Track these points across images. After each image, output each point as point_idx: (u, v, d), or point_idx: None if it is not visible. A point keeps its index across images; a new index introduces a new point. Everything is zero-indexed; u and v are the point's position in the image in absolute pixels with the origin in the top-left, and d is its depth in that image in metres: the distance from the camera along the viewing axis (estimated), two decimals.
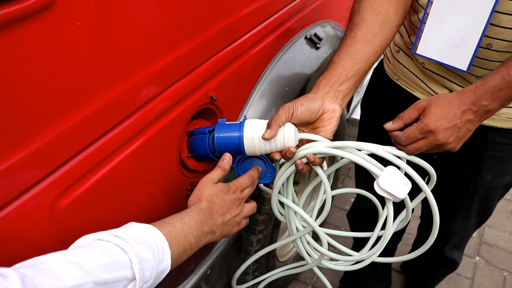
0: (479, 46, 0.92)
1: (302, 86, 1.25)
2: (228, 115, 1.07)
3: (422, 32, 0.99)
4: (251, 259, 1.17)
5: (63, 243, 0.71)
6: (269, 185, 1.26)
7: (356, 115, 2.06)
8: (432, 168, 0.91)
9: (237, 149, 0.91)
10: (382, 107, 1.31)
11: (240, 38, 1.02)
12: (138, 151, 0.81)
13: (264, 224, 1.35)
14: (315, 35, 1.34)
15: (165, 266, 0.69)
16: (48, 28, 0.59)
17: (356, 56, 0.94)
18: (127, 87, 0.74)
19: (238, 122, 0.93)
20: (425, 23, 0.97)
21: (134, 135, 0.80)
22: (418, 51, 1.01)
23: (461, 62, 0.96)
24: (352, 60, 0.94)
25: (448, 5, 0.92)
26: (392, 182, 0.85)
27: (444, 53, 0.98)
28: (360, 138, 1.44)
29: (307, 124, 0.93)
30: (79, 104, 0.67)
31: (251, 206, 0.94)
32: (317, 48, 1.34)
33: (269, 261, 1.52)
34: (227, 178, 0.94)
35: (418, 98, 1.14)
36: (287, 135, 0.87)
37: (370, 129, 1.39)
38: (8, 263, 0.64)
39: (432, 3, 0.94)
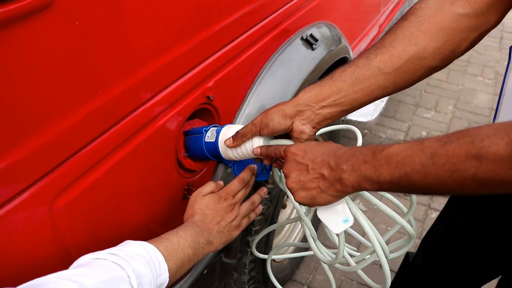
0: None
1: (298, 86, 1.26)
2: (224, 115, 1.07)
3: (500, 106, 0.78)
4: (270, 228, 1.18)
5: (62, 243, 0.71)
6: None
7: (351, 116, 2.06)
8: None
9: (217, 154, 0.92)
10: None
11: (236, 39, 1.02)
12: (135, 151, 0.81)
13: (260, 225, 1.35)
14: (311, 36, 1.34)
15: (163, 279, 0.71)
16: (46, 27, 0.59)
17: (358, 83, 0.78)
18: (125, 87, 0.75)
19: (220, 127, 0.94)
20: (502, 98, 0.77)
21: (132, 135, 0.80)
22: None
23: None
24: (352, 86, 0.78)
25: None
26: (331, 214, 0.76)
27: None
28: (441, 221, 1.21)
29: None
30: (77, 104, 0.67)
31: (247, 205, 0.94)
32: (313, 49, 1.34)
33: (265, 261, 1.52)
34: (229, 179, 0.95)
35: None
36: (257, 143, 0.87)
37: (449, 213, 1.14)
38: (7, 264, 0.64)
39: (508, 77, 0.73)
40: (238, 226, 0.92)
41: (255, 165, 0.95)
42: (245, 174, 0.93)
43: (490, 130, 0.53)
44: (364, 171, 0.65)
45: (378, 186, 0.64)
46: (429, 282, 1.05)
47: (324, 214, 0.77)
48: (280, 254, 1.79)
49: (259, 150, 0.84)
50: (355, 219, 0.77)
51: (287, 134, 0.86)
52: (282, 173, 0.94)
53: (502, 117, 0.79)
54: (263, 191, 0.97)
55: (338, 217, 0.76)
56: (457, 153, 0.55)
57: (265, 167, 0.97)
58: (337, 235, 0.79)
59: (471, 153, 0.53)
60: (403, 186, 0.62)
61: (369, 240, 0.79)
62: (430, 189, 0.60)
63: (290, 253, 1.83)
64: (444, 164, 0.56)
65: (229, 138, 0.87)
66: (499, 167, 0.51)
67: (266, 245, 1.46)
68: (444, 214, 1.18)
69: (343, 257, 0.95)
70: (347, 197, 0.77)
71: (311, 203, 0.74)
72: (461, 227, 1.08)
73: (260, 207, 0.99)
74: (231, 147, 0.87)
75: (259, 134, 0.84)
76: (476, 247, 1.06)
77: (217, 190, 0.92)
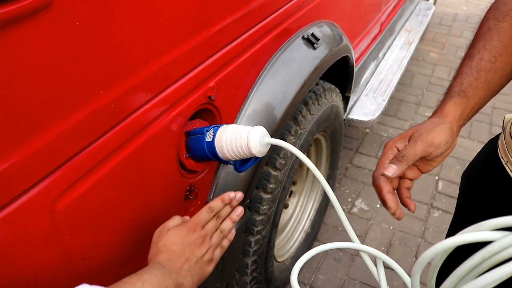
0: None
1: (300, 86, 1.25)
2: (226, 115, 1.06)
3: None
4: None
5: (63, 245, 0.71)
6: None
7: (353, 115, 2.06)
8: None
9: (214, 153, 0.92)
10: (481, 189, 1.02)
11: (238, 38, 1.02)
12: (136, 152, 0.81)
13: (262, 225, 1.35)
14: (312, 35, 1.34)
15: None
16: (46, 28, 0.58)
17: (492, 87, 0.81)
18: (126, 88, 0.74)
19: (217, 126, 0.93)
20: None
21: (133, 135, 0.79)
22: None
23: None
24: (488, 91, 0.81)
25: None
26: None
27: None
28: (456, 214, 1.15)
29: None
30: (78, 105, 0.67)
31: (217, 235, 0.83)
32: (315, 48, 1.34)
33: (267, 261, 1.52)
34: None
35: None
36: (252, 141, 0.86)
37: (465, 210, 1.09)
38: (7, 267, 0.63)
39: None
40: (211, 260, 0.81)
41: (232, 192, 0.86)
42: (215, 203, 0.83)
43: None
44: None
45: None
46: None
47: None
48: (284, 253, 1.79)
49: None
50: None
51: None
52: None
53: None
54: (236, 213, 0.87)
55: None
56: None
57: (251, 159, 0.94)
58: None
59: None
60: None
61: None
62: None
63: (293, 252, 1.83)
64: None
65: (394, 168, 0.75)
66: None
67: (268, 246, 1.46)
68: (461, 213, 1.13)
69: None
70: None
71: None
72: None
73: (233, 232, 0.88)
74: (395, 175, 0.74)
75: (430, 155, 0.77)
76: None
77: (182, 222, 0.82)
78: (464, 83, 0.81)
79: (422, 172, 0.82)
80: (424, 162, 0.81)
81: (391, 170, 0.74)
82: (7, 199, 0.61)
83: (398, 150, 0.79)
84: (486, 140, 3.16)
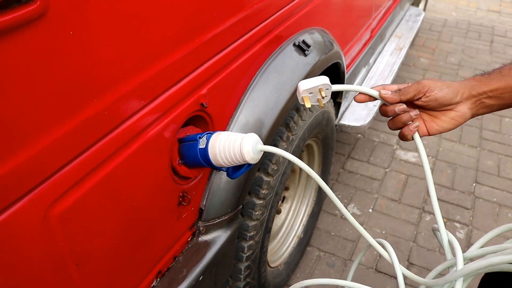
0: None
1: (291, 92, 1.26)
2: (218, 121, 1.07)
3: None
4: None
5: (57, 251, 0.71)
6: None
7: (345, 120, 2.08)
8: None
9: (207, 159, 0.92)
10: None
11: (229, 46, 1.03)
12: (130, 159, 0.82)
13: (255, 230, 1.36)
14: (303, 42, 1.35)
15: None
16: (41, 37, 0.59)
17: None
18: (119, 95, 0.75)
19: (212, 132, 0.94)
20: None
21: (126, 143, 0.80)
22: None
23: None
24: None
25: None
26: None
27: None
28: None
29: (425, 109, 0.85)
30: (71, 113, 0.67)
31: None
32: (306, 55, 1.35)
33: (261, 267, 1.53)
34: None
35: None
36: (245, 148, 0.86)
37: None
38: (0, 272, 0.64)
39: None
40: None
41: None
42: None
43: None
44: None
45: None
46: None
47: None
48: (277, 258, 1.80)
49: None
50: None
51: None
52: None
53: None
54: None
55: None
56: None
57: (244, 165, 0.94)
58: None
59: None
60: None
61: None
62: None
63: (286, 257, 1.83)
64: None
65: (388, 91, 0.83)
66: None
67: (261, 251, 1.47)
68: None
69: None
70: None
71: None
72: None
73: None
74: (384, 97, 0.83)
75: (423, 95, 0.82)
76: None
77: None
78: (500, 68, 0.85)
79: (428, 132, 0.86)
80: (428, 116, 0.85)
81: (384, 92, 0.82)
82: (1, 206, 0.61)
83: None
84: (476, 144, 3.16)
